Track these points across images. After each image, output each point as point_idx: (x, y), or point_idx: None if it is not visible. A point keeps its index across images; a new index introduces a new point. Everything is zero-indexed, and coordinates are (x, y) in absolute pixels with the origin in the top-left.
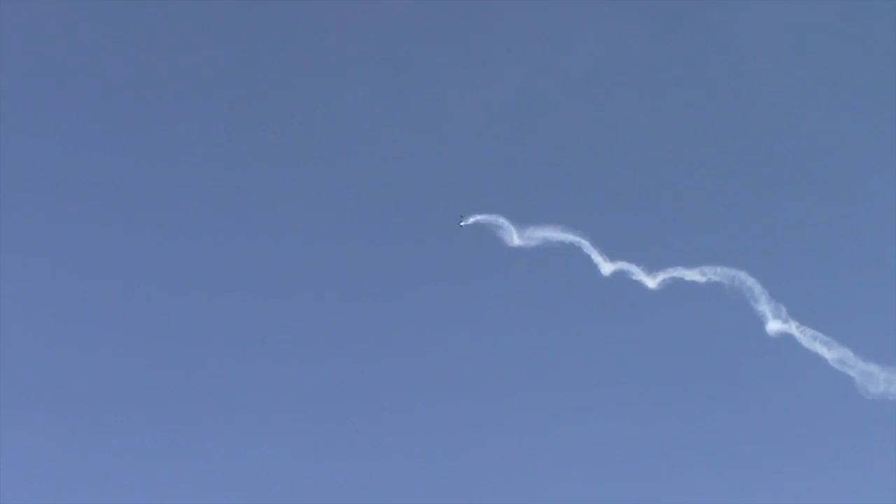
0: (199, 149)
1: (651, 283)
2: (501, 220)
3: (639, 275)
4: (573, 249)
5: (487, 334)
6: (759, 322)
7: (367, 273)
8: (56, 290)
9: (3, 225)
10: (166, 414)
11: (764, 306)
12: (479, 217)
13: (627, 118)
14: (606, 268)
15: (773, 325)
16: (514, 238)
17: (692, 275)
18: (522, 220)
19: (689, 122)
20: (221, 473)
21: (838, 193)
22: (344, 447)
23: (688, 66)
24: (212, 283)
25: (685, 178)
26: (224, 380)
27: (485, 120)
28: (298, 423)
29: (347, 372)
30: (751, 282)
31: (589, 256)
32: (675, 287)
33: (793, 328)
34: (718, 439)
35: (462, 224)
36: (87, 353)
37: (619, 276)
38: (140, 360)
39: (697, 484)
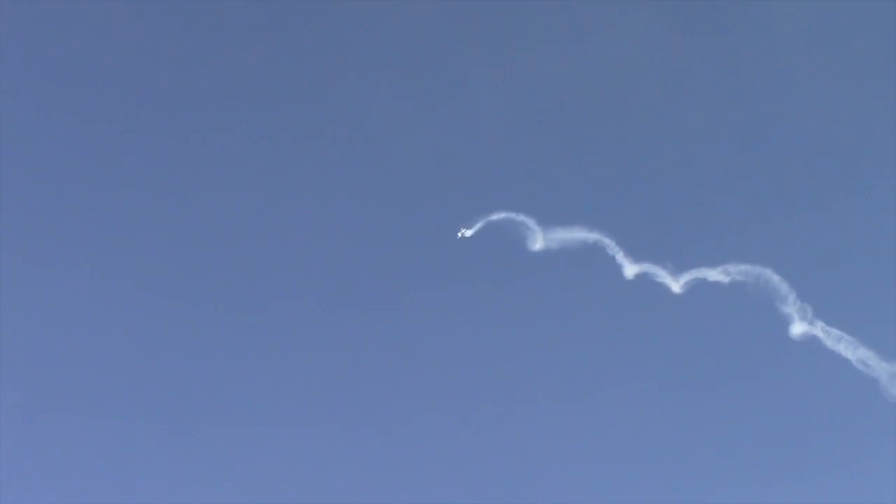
0: (221, 151)
1: (675, 286)
2: (526, 220)
3: (663, 277)
4: (596, 251)
5: (511, 338)
6: (785, 322)
7: (385, 275)
8: (59, 293)
9: (3, 225)
10: (170, 417)
11: (789, 306)
12: (503, 216)
13: (650, 117)
14: (630, 270)
15: (798, 327)
16: (539, 239)
17: (716, 274)
18: (546, 220)
19: (715, 119)
20: (225, 476)
21: (863, 191)
22: (363, 452)
23: (712, 64)
24: (249, 285)
25: (711, 175)
26: (246, 383)
27: (509, 120)
28: (323, 428)
29: (365, 375)
30: (776, 280)
31: (613, 258)
32: (700, 289)
33: (818, 329)
34: (742, 442)
35: (464, 232)
36: (90, 355)
37: (643, 278)
38: (144, 364)
39: (721, 487)
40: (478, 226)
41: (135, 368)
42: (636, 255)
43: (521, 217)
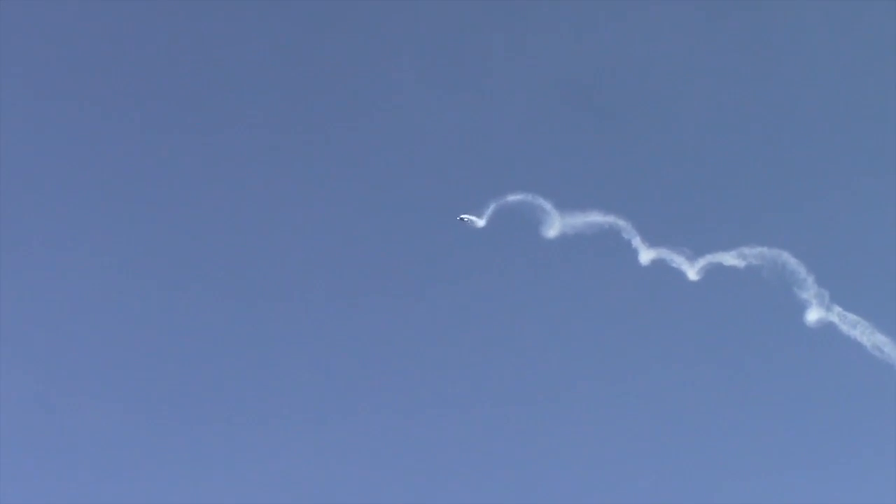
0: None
1: (691, 272)
2: (543, 203)
3: (679, 263)
4: (612, 234)
5: (524, 328)
6: (801, 308)
7: (399, 263)
8: (58, 291)
9: (7, 223)
10: (172, 415)
11: (806, 291)
12: (520, 198)
13: (668, 101)
14: (646, 255)
15: (815, 313)
16: (555, 221)
17: (732, 259)
18: (563, 203)
19: (732, 102)
20: (228, 475)
21: (882, 173)
22: (379, 447)
23: (729, 49)
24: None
25: (728, 156)
26: (251, 381)
27: (526, 104)
28: (341, 422)
29: (377, 367)
30: (793, 263)
31: (629, 242)
32: (715, 274)
33: (834, 315)
34: (756, 429)
35: (474, 220)
36: (88, 353)
37: (659, 264)
38: (141, 361)
39: (735, 474)
40: (491, 209)
41: (137, 366)
42: (652, 239)
43: (537, 200)
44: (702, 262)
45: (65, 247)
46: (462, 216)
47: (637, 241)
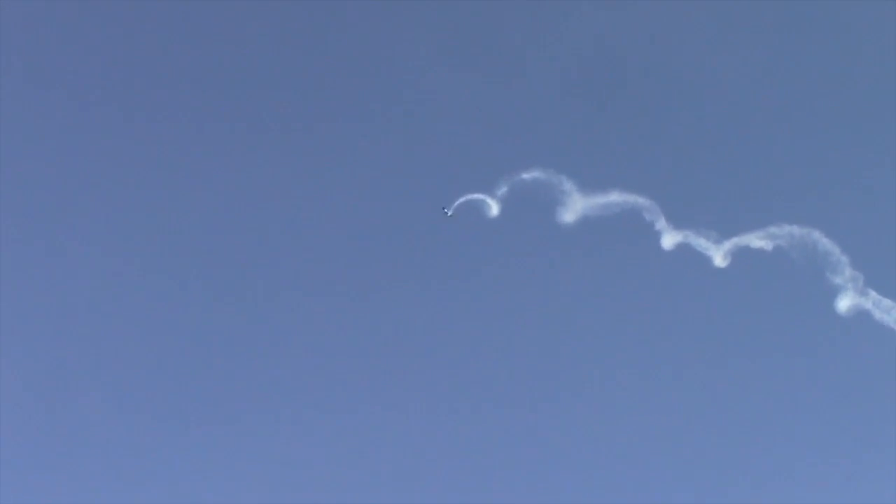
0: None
1: (717, 257)
2: (563, 181)
3: (704, 247)
4: (633, 217)
5: (543, 318)
6: (833, 293)
7: (412, 246)
8: (55, 289)
9: (6, 222)
10: (165, 414)
11: (840, 275)
12: (539, 175)
13: (695, 77)
14: (669, 239)
15: (848, 299)
16: (575, 200)
17: (760, 240)
18: (584, 182)
19: (762, 76)
20: (227, 475)
21: None
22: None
23: (757, 24)
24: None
25: (757, 132)
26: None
27: (548, 80)
28: (366, 417)
29: (389, 364)
30: (825, 243)
31: (651, 224)
32: (742, 258)
33: (869, 301)
34: (790, 422)
35: (448, 212)
36: (88, 353)
37: (683, 248)
38: (140, 360)
39: (762, 466)
40: (507, 187)
41: (137, 365)
42: (676, 219)
43: (556, 178)
44: (728, 245)
45: (63, 245)
46: (446, 210)
47: (661, 223)
